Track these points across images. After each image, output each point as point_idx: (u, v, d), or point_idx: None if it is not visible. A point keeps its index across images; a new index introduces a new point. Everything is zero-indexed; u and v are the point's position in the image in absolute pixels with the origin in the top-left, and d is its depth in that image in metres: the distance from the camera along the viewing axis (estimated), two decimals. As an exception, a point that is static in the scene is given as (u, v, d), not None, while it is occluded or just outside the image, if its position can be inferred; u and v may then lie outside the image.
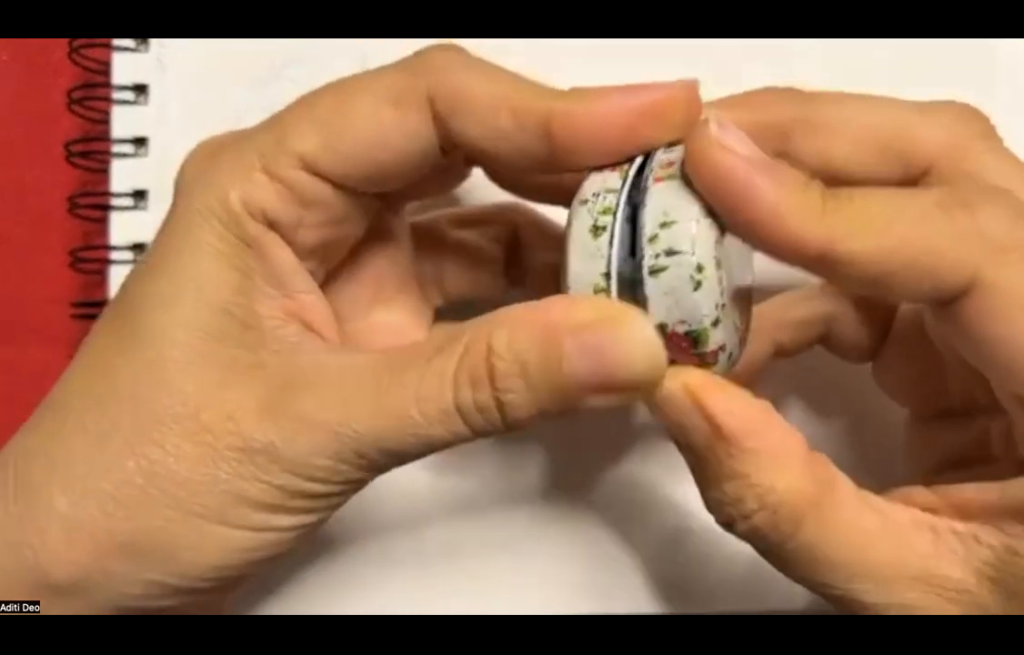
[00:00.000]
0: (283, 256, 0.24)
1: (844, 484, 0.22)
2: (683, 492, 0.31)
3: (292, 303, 0.24)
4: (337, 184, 0.24)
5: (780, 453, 0.22)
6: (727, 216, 0.21)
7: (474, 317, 0.22)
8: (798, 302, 0.28)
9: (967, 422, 0.26)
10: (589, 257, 0.22)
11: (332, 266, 0.26)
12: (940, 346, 0.26)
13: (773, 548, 0.22)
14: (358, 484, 0.23)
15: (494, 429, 0.22)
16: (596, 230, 0.22)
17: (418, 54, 0.24)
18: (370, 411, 0.22)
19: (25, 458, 0.23)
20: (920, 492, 0.23)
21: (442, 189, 0.29)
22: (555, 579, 0.32)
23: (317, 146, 0.23)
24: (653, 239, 0.21)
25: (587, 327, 0.21)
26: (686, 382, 0.22)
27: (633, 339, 0.21)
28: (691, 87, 0.23)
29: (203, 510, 0.22)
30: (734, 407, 0.22)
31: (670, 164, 0.22)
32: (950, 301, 0.21)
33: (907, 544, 0.22)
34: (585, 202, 0.23)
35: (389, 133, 0.23)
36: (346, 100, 0.23)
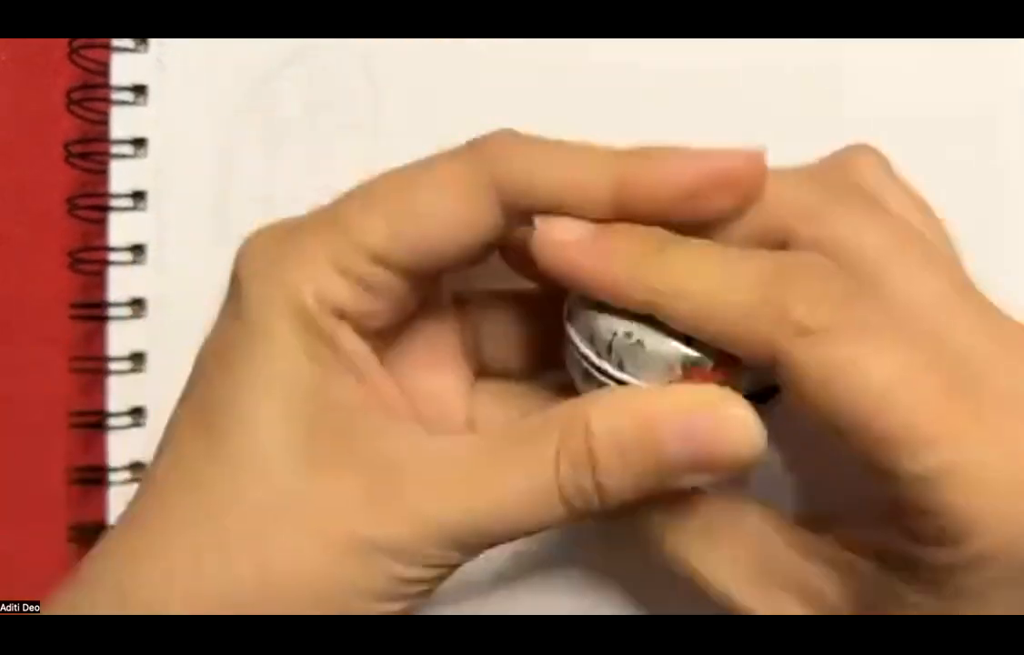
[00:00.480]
0: (355, 344, 0.24)
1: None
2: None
3: (367, 388, 0.24)
4: (404, 272, 0.24)
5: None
6: (574, 290, 0.24)
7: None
8: None
9: None
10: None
11: (389, 344, 0.26)
12: None
13: (658, 550, 0.25)
14: (455, 568, 0.23)
15: (590, 512, 0.22)
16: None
17: (474, 142, 0.24)
18: (473, 500, 0.22)
19: (123, 579, 0.23)
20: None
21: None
22: (555, 579, 0.32)
23: (387, 240, 0.23)
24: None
25: (686, 412, 0.22)
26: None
27: (733, 420, 0.22)
28: (757, 159, 0.23)
29: (326, 606, 0.22)
30: None
31: None
32: (773, 369, 0.21)
33: (775, 553, 0.24)
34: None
35: (457, 225, 0.23)
36: (411, 193, 0.23)
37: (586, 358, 0.24)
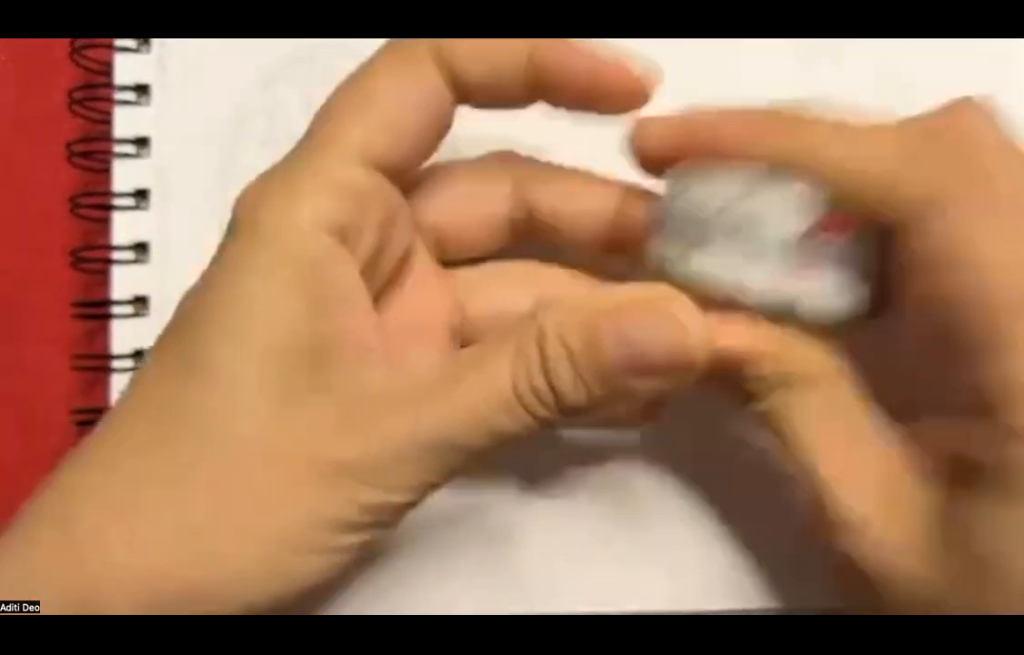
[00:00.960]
0: (345, 273, 0.24)
1: (840, 379, 0.24)
2: (682, 493, 0.31)
3: (352, 321, 0.24)
4: (389, 171, 0.24)
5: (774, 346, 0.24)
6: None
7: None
8: None
9: None
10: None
11: (378, 287, 0.26)
12: None
13: (776, 427, 0.24)
14: (432, 488, 0.23)
15: (552, 416, 0.22)
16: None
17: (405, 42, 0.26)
18: (443, 410, 0.22)
19: (78, 496, 0.22)
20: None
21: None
22: (555, 578, 0.32)
23: (372, 131, 0.24)
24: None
25: (620, 311, 0.22)
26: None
27: (668, 321, 0.22)
28: (652, 75, 0.25)
29: (280, 538, 0.22)
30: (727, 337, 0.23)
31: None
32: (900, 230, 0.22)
33: (883, 455, 0.24)
34: None
35: (419, 106, 0.25)
36: (374, 83, 0.25)
37: (700, 226, 0.23)
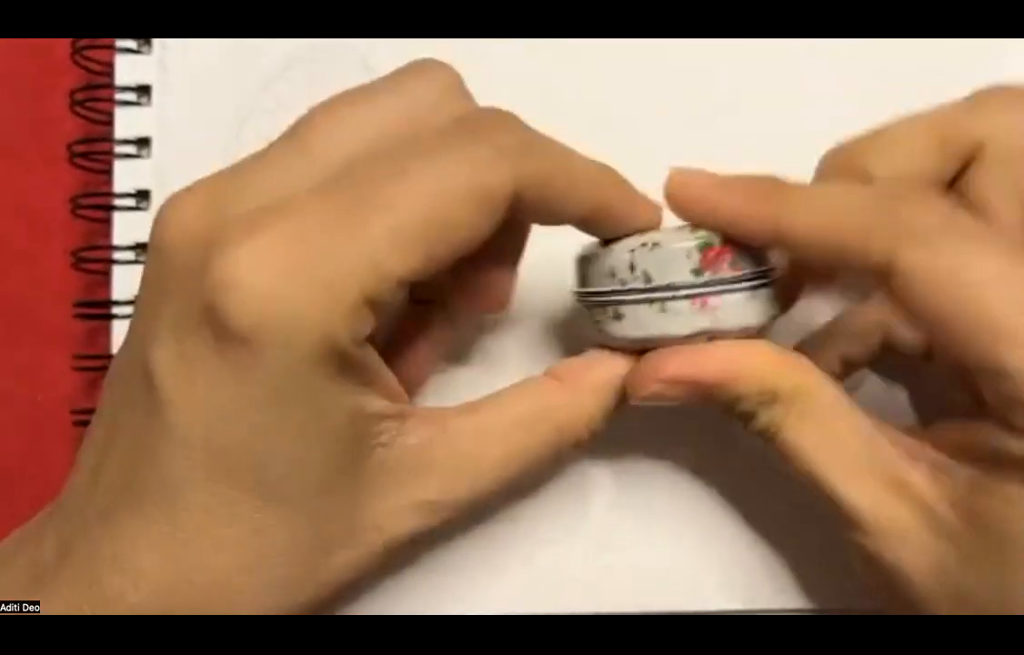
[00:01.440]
0: (372, 356, 0.23)
1: (824, 386, 0.25)
2: (679, 494, 0.31)
3: (380, 388, 0.24)
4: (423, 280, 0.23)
5: (749, 368, 0.25)
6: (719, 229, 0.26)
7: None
8: (856, 314, 0.30)
9: None
10: None
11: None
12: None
13: (773, 442, 0.25)
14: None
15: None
16: None
17: (494, 138, 0.23)
18: (493, 485, 0.26)
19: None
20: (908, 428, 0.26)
21: None
22: (553, 578, 0.32)
23: (421, 265, 0.22)
24: None
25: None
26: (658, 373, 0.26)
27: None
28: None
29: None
30: (696, 368, 0.26)
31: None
32: (885, 278, 0.23)
33: (879, 448, 0.25)
34: None
35: (483, 229, 0.23)
36: (444, 210, 0.22)
37: (614, 295, 0.26)
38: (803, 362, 0.26)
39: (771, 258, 0.27)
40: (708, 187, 0.26)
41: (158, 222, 0.24)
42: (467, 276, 0.26)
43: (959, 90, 0.28)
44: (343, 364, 0.22)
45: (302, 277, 0.21)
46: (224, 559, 0.22)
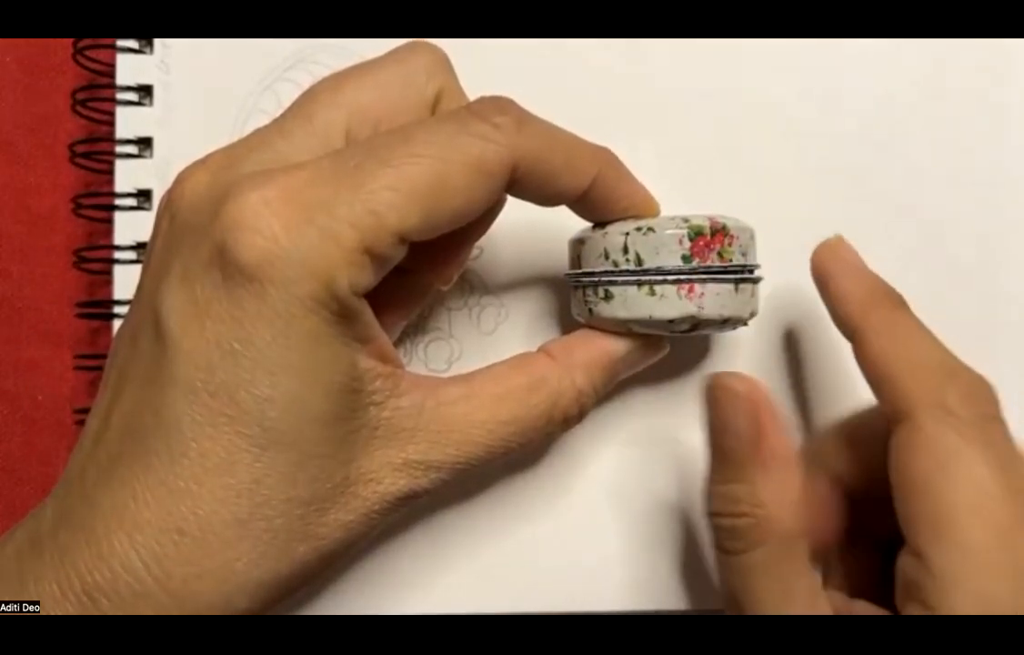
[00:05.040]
0: (368, 314, 0.24)
1: (802, 553, 0.25)
2: (677, 493, 0.32)
3: (374, 348, 0.24)
4: (421, 240, 0.24)
5: (787, 487, 0.25)
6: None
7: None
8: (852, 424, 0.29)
9: None
10: None
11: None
12: None
13: (722, 548, 0.26)
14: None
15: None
16: None
17: (490, 115, 0.24)
18: (482, 450, 0.26)
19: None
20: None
21: None
22: (553, 577, 0.32)
23: (419, 223, 0.23)
24: None
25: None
26: (749, 387, 0.25)
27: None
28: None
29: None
30: (781, 431, 0.26)
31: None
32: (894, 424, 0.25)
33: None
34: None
35: (481, 203, 0.25)
36: (445, 179, 0.24)
37: (606, 275, 0.27)
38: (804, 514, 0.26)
39: (755, 257, 0.28)
40: (852, 267, 0.28)
41: (172, 189, 0.25)
42: (427, 245, 0.26)
43: (958, 89, 0.28)
44: (341, 312, 0.23)
45: (307, 221, 0.22)
46: (221, 511, 0.22)
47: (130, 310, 0.25)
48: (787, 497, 0.25)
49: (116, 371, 0.25)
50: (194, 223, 0.24)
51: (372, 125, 0.26)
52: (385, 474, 0.25)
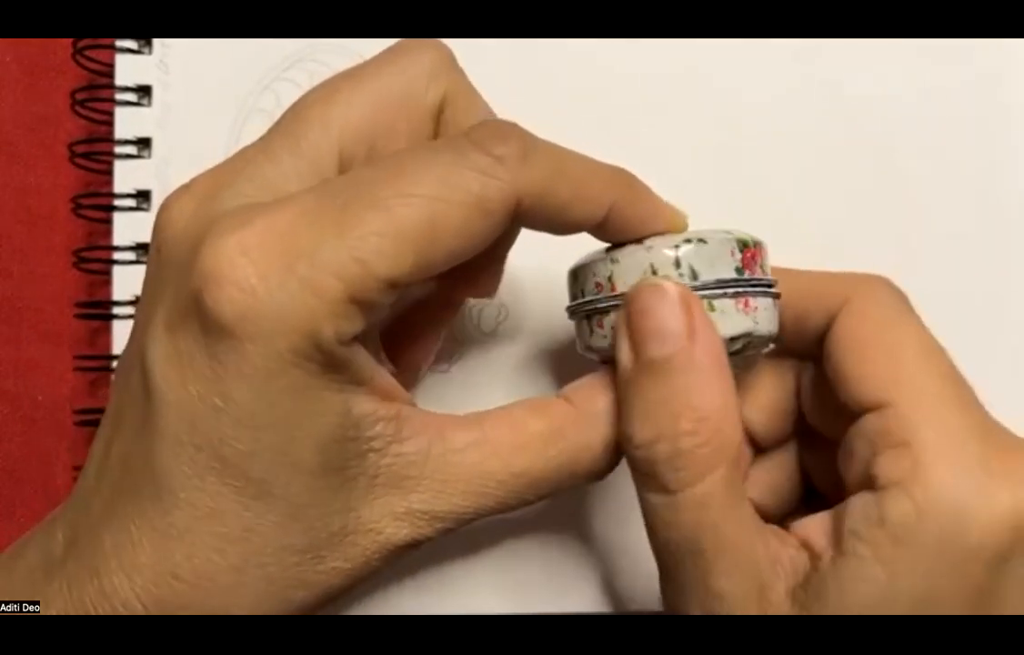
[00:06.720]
0: (362, 357, 0.23)
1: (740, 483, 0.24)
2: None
3: (373, 388, 0.23)
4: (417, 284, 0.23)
5: (727, 393, 0.23)
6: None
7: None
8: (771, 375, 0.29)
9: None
10: None
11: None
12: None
13: (665, 486, 0.24)
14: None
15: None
16: None
17: (486, 137, 0.23)
18: (493, 502, 0.25)
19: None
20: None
21: None
22: (551, 577, 0.32)
23: (411, 269, 0.22)
24: None
25: None
26: (679, 287, 0.24)
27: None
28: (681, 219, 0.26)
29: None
30: (712, 330, 0.24)
31: None
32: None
33: (756, 548, 0.24)
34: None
35: (482, 243, 0.23)
36: (440, 222, 0.22)
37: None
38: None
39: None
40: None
41: (157, 221, 0.24)
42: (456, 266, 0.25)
43: (959, 90, 0.28)
44: (329, 362, 0.22)
45: (286, 270, 0.21)
46: (214, 558, 0.22)
47: (128, 341, 0.25)
48: (729, 405, 0.23)
49: (115, 406, 0.24)
50: (176, 260, 0.23)
51: (366, 145, 0.24)
52: (386, 523, 0.24)
